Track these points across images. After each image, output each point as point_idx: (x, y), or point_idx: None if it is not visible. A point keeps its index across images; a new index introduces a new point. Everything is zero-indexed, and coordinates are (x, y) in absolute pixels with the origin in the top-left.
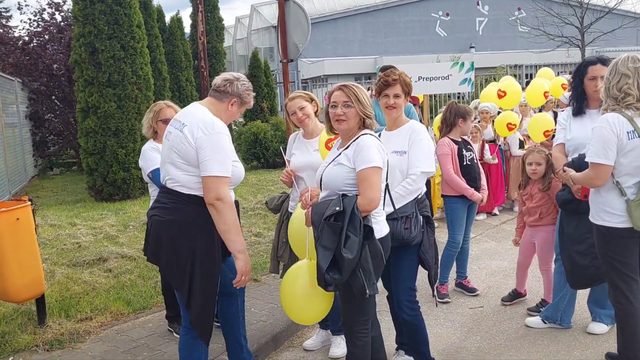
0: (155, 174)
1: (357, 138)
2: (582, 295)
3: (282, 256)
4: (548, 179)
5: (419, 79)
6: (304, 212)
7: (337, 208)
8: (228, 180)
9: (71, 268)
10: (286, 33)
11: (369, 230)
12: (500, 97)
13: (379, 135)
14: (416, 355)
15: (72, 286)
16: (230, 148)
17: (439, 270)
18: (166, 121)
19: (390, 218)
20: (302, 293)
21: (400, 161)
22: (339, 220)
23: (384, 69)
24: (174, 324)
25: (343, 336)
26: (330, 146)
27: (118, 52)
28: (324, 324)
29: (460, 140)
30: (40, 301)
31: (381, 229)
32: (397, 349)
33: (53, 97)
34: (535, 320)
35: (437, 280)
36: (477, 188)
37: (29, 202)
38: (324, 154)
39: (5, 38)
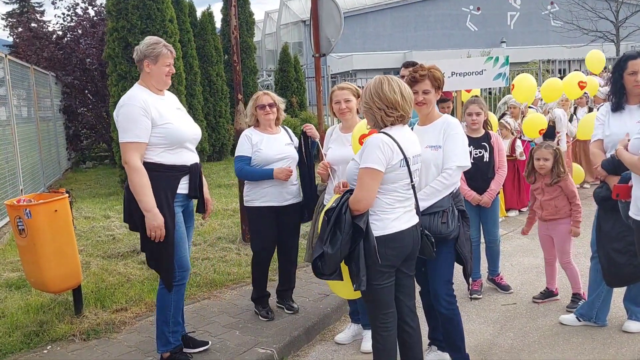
0: (235, 160)
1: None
2: (618, 293)
3: None
4: (555, 174)
5: (452, 75)
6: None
7: (334, 204)
8: (132, 145)
9: (106, 259)
10: (319, 27)
11: (358, 229)
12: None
13: (412, 129)
14: (452, 350)
15: (107, 277)
16: (137, 115)
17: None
18: (262, 107)
19: (426, 213)
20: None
21: (435, 156)
22: (330, 216)
23: (406, 64)
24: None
25: None
26: (364, 142)
27: None
28: (355, 318)
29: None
30: (77, 292)
31: (385, 226)
32: (429, 344)
33: (86, 91)
34: (570, 318)
35: (470, 276)
36: (481, 188)
37: (67, 194)
38: (356, 149)
39: (39, 33)
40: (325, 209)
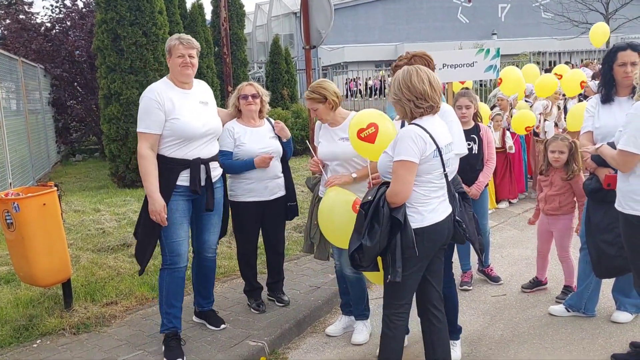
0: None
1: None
2: (607, 284)
3: (314, 237)
4: (571, 168)
5: (443, 66)
6: (333, 203)
7: (370, 197)
8: (143, 135)
9: (96, 253)
10: (309, 19)
11: (397, 222)
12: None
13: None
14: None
15: (97, 271)
16: (150, 107)
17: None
18: (245, 97)
19: None
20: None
21: None
22: (367, 209)
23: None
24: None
25: (365, 322)
26: (363, 136)
27: (140, 38)
28: (346, 310)
29: None
30: (67, 285)
31: (421, 219)
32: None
33: (75, 83)
34: (559, 309)
35: (484, 252)
36: (470, 180)
37: (55, 188)
38: (354, 144)
39: (27, 24)
40: (361, 202)
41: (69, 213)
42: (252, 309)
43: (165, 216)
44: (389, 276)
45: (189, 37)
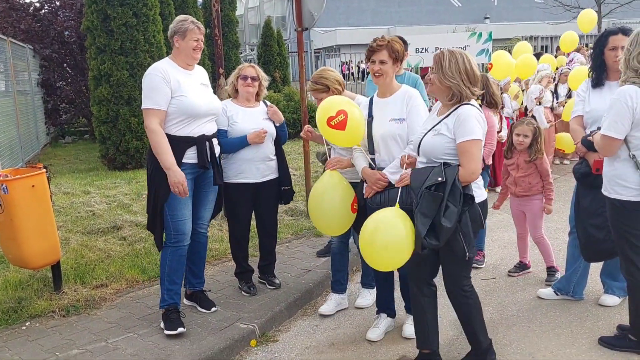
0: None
1: (458, 108)
2: (595, 267)
3: None
4: (534, 151)
5: (436, 50)
6: (324, 189)
7: (440, 179)
8: (151, 111)
9: (86, 236)
10: (301, 1)
11: (469, 198)
12: (489, 68)
13: (370, 101)
14: None
15: (87, 253)
16: (157, 83)
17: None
18: (244, 78)
19: (395, 187)
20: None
21: (400, 128)
22: (440, 191)
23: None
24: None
25: (371, 290)
26: (333, 124)
27: (130, 19)
28: (337, 288)
29: None
30: (56, 268)
31: (482, 193)
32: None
33: (65, 64)
34: (548, 292)
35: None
36: None
37: (44, 170)
38: (324, 131)
39: (16, 4)
40: (427, 185)
41: (59, 195)
42: (243, 292)
43: (183, 189)
44: (468, 253)
45: (198, 21)
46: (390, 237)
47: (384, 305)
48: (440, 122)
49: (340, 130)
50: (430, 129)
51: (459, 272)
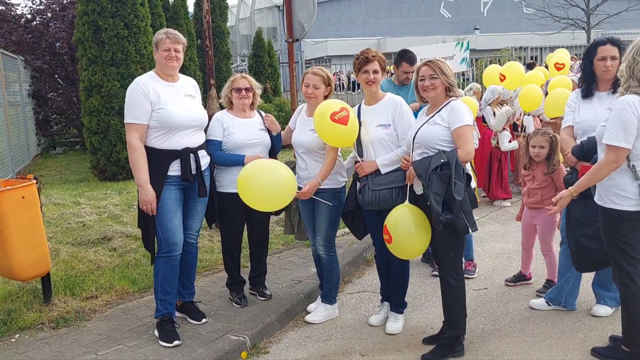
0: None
1: (449, 103)
2: (587, 277)
3: (294, 219)
4: (552, 162)
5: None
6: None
7: (442, 160)
8: (132, 126)
9: (76, 247)
10: (292, 12)
11: (468, 177)
12: (501, 80)
13: (359, 109)
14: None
15: (77, 265)
16: (137, 98)
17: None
18: (238, 90)
19: (385, 188)
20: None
21: (387, 133)
22: (446, 170)
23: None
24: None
25: (330, 306)
26: (337, 118)
27: (121, 30)
28: (326, 299)
29: None
30: (46, 279)
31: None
32: (382, 301)
33: (56, 75)
34: (540, 302)
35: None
36: None
37: (34, 181)
38: (325, 126)
39: (7, 16)
40: (432, 167)
41: (49, 206)
42: (233, 303)
43: (156, 206)
44: (470, 229)
45: (176, 32)
46: (411, 225)
47: (387, 296)
48: (433, 115)
49: (343, 125)
50: (423, 124)
51: (455, 253)
